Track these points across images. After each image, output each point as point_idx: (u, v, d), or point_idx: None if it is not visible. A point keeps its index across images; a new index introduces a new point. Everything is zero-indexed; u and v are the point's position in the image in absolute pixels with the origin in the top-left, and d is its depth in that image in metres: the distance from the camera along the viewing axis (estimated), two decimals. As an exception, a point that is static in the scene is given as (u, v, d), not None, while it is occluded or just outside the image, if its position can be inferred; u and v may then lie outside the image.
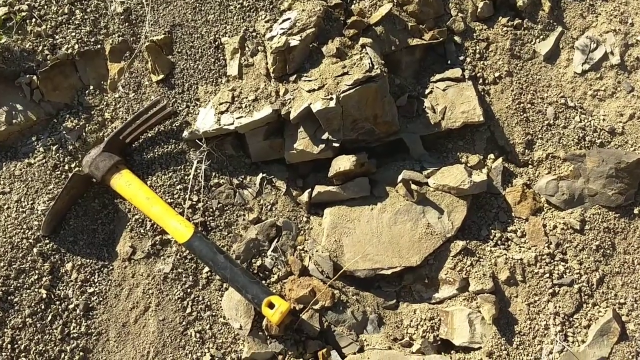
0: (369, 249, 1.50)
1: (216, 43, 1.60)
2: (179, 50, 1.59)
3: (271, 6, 1.60)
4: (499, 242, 1.53)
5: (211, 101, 1.55)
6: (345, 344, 1.48)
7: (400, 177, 1.50)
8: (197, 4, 1.61)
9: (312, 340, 1.46)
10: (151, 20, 1.56)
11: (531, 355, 1.45)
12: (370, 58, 1.47)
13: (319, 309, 1.48)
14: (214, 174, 1.55)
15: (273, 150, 1.58)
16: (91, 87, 1.57)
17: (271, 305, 1.36)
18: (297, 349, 1.44)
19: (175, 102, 1.57)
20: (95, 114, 1.55)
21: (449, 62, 1.64)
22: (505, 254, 1.51)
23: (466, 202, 1.50)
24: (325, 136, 1.50)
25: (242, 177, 1.57)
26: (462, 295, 1.49)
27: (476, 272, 1.49)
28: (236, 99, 1.54)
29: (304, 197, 1.56)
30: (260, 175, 1.57)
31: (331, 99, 1.44)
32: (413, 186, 1.49)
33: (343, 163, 1.49)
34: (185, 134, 1.54)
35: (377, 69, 1.46)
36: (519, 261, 1.50)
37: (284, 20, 1.55)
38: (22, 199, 1.46)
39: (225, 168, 1.56)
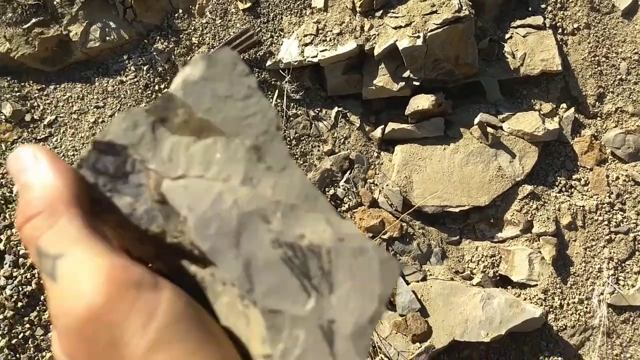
0: (439, 186, 1.60)
1: (304, -27, 1.64)
2: (266, -22, 1.64)
3: (361, -61, 1.63)
4: (563, 188, 1.63)
5: (295, 32, 1.62)
6: (410, 272, 1.61)
7: (476, 120, 1.58)
8: None
9: (381, 267, 1.59)
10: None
11: (583, 295, 1.59)
12: (459, -1, 1.52)
13: (387, 238, 1.60)
14: (292, 104, 1.63)
15: (349, 85, 1.66)
16: (180, 11, 1.63)
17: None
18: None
19: (259, 31, 1.63)
20: (183, 37, 1.62)
21: (530, 9, 1.69)
22: (569, 201, 1.61)
23: (537, 148, 1.60)
24: (406, 74, 1.57)
25: (318, 109, 1.65)
26: (525, 236, 1.61)
27: (540, 215, 1.60)
28: (320, 31, 1.61)
29: (377, 132, 1.65)
30: (336, 109, 1.65)
31: (418, 37, 1.50)
32: (488, 129, 1.58)
33: (422, 102, 1.57)
34: (269, 63, 1.62)
35: (465, 10, 1.51)
36: (581, 208, 1.61)
37: (372, -45, 1.59)
38: (116, 114, 1.55)
39: (303, 100, 1.64)
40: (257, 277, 0.34)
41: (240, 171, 0.37)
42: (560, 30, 1.69)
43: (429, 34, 1.50)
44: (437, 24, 1.50)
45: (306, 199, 0.37)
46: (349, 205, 1.62)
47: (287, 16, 1.64)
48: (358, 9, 1.60)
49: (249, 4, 1.63)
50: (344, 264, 0.35)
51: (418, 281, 1.61)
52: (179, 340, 0.31)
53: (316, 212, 0.37)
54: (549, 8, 1.68)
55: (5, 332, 1.39)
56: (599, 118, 1.68)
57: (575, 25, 1.69)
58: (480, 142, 1.60)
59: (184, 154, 0.37)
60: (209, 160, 0.37)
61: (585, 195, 1.64)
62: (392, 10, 1.57)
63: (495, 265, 1.61)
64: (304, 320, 0.34)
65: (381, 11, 1.58)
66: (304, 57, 1.59)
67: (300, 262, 0.35)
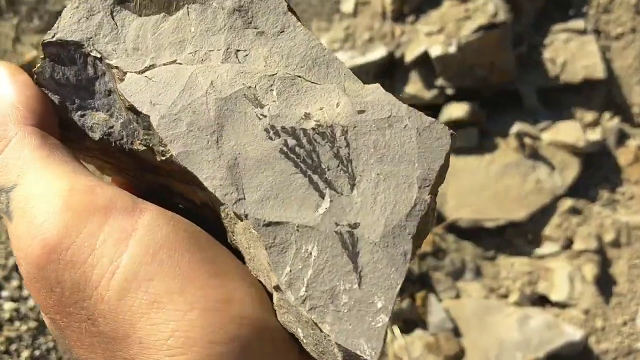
0: (474, 199, 1.60)
1: (333, -22, 1.67)
2: (294, -17, 1.67)
3: (393, -58, 1.65)
4: (606, 203, 1.62)
5: (324, 38, 1.64)
6: (442, 289, 1.61)
7: (513, 130, 1.58)
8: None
9: (411, 282, 1.60)
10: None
11: (627, 316, 1.56)
12: (495, 3, 1.53)
13: (418, 253, 1.60)
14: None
15: (379, 93, 1.67)
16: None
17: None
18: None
19: (287, 37, 1.66)
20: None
21: (571, 12, 1.68)
22: (612, 216, 1.60)
23: (579, 160, 1.58)
24: (438, 82, 1.58)
25: (347, 118, 1.67)
26: (565, 253, 1.59)
27: (582, 231, 1.58)
28: (350, 37, 1.63)
29: (409, 142, 1.66)
30: (365, 117, 1.67)
31: (451, 44, 1.51)
32: (526, 140, 1.57)
33: (455, 111, 1.58)
34: (296, 70, 1.64)
35: (501, 15, 1.51)
36: (625, 223, 1.59)
37: (404, -42, 1.61)
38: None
39: (331, 108, 1.66)
40: (247, 181, 0.28)
41: (221, 44, 0.31)
42: (603, 35, 1.67)
43: (462, 40, 1.51)
44: (471, 31, 1.50)
45: (313, 66, 0.31)
46: (378, 218, 1.63)
47: (316, 21, 1.67)
48: (388, 15, 1.61)
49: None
50: (367, 145, 0.28)
51: (451, 299, 1.61)
52: (161, 275, 0.25)
53: (328, 81, 0.30)
54: (592, 12, 1.67)
55: (28, 343, 1.44)
56: (645, 128, 1.66)
57: (620, 30, 1.67)
58: (517, 153, 1.59)
59: (152, 38, 0.31)
60: (182, 39, 0.31)
61: (630, 210, 1.62)
62: (424, 16, 1.58)
63: (533, 283, 1.60)
64: (316, 229, 0.27)
65: (412, 17, 1.59)
66: (332, 64, 1.61)
67: (307, 152, 0.28)
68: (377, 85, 0.29)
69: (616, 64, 1.67)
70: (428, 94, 1.59)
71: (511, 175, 1.59)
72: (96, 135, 0.31)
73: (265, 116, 0.29)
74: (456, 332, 1.62)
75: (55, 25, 0.31)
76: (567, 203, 1.58)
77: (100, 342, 0.26)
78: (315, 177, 0.28)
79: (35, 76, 0.31)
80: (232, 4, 0.31)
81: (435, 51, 1.51)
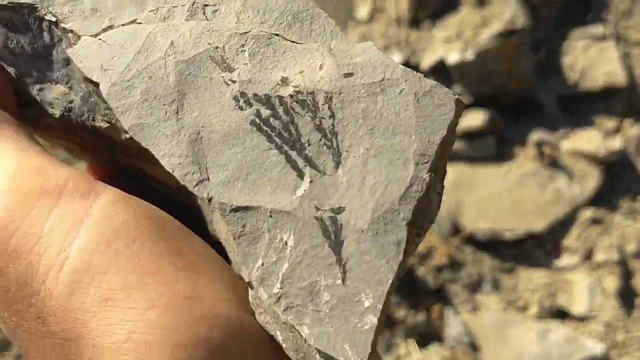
0: (491, 210, 1.60)
1: (347, -16, 1.67)
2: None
3: (407, -53, 1.65)
4: (628, 213, 1.61)
5: (337, 45, 1.64)
6: (459, 302, 1.61)
7: (531, 138, 1.57)
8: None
9: (427, 295, 1.60)
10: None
11: (651, 330, 1.56)
12: (513, 9, 1.53)
13: (435, 265, 1.60)
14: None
15: (393, 100, 1.67)
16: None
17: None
18: (411, 301, 1.58)
19: (299, 43, 1.66)
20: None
21: (590, 17, 1.68)
22: (634, 225, 1.59)
23: (599, 169, 1.58)
24: (456, 89, 1.58)
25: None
26: (585, 264, 1.59)
27: (602, 242, 1.58)
28: (364, 44, 1.63)
29: (424, 151, 1.66)
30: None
31: (468, 50, 1.51)
32: (544, 148, 1.57)
33: (472, 119, 1.57)
34: (309, 77, 1.64)
35: (519, 21, 1.51)
36: (648, 234, 1.58)
37: (419, -37, 1.61)
38: None
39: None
40: (211, 159, 0.25)
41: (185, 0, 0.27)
42: (623, 41, 1.67)
43: (480, 47, 1.50)
44: (488, 37, 1.50)
45: (294, 23, 0.27)
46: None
47: (328, 28, 1.67)
48: (404, 21, 1.61)
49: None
50: (355, 115, 0.25)
51: (468, 312, 1.60)
52: (117, 267, 0.23)
53: (311, 40, 0.27)
54: (611, 17, 1.67)
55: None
56: (667, 136, 1.66)
57: (640, 35, 1.67)
58: (536, 162, 1.59)
59: None
60: None
61: (653, 220, 1.61)
62: (440, 22, 1.58)
63: (552, 295, 1.59)
64: (292, 215, 0.24)
65: (429, 23, 1.59)
66: (346, 71, 1.61)
67: (283, 124, 0.25)
68: (370, 43, 0.26)
69: (637, 71, 1.66)
70: (444, 102, 1.58)
71: (529, 185, 1.59)
72: (56, 112, 0.29)
73: (234, 82, 0.26)
74: (474, 347, 1.61)
75: None
76: (587, 213, 1.57)
77: (53, 345, 0.23)
78: (293, 154, 0.25)
79: None
80: None
81: (452, 58, 1.51)
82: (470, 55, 1.50)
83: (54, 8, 0.28)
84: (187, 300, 0.23)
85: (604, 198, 1.61)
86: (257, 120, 0.25)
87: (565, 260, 1.59)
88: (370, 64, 0.25)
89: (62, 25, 0.28)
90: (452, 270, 1.59)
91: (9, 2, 0.28)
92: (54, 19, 0.28)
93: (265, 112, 0.25)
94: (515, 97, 1.63)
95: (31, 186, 0.23)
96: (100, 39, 0.27)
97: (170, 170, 0.25)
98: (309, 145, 0.25)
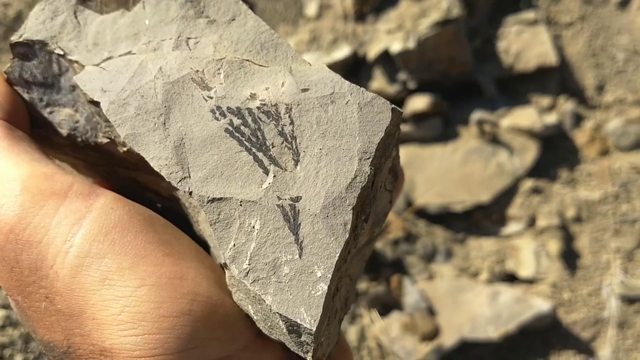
0: (441, 185, 1.81)
1: (296, -16, 1.88)
2: (260, -9, 1.88)
3: (350, -52, 1.87)
4: (566, 182, 1.82)
5: (291, 41, 1.85)
6: (416, 272, 1.81)
7: (473, 118, 1.79)
8: (280, -54, 1.88)
9: (386, 267, 1.79)
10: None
11: (592, 287, 1.76)
12: (448, 0, 1.74)
13: (391, 239, 1.80)
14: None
15: (347, 90, 1.88)
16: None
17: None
18: (371, 273, 1.77)
19: (256, 41, 1.87)
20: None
21: (522, 4, 1.90)
22: (572, 193, 1.80)
23: (537, 142, 1.79)
24: (401, 77, 1.79)
25: (318, 116, 1.88)
26: (529, 230, 1.80)
27: (544, 209, 1.79)
28: (315, 39, 1.83)
29: (377, 136, 1.87)
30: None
31: (409, 40, 1.72)
32: (485, 126, 1.78)
33: (418, 103, 1.78)
34: (266, 72, 1.84)
35: (455, 11, 1.73)
36: (585, 200, 1.80)
37: (362, -37, 1.82)
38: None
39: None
40: (192, 160, 0.30)
41: (172, 34, 0.33)
42: (554, 25, 1.90)
43: (420, 36, 1.72)
44: (427, 27, 1.72)
45: (261, 50, 0.33)
46: (352, 209, 1.83)
47: (282, 26, 1.87)
48: (350, 16, 1.83)
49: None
50: (310, 122, 0.31)
51: (425, 280, 1.80)
52: (113, 253, 0.28)
53: (275, 63, 0.33)
54: (541, 3, 1.89)
55: (22, 347, 1.61)
56: (599, 109, 1.88)
57: (569, 19, 1.89)
58: (479, 140, 1.80)
59: (110, 33, 0.34)
60: (137, 32, 0.34)
61: (589, 187, 1.83)
62: (383, 15, 1.80)
63: (501, 261, 1.80)
64: (258, 204, 0.30)
65: (373, 17, 1.81)
66: (300, 65, 1.82)
67: (252, 130, 0.30)
68: (323, 65, 0.32)
69: (568, 51, 1.89)
70: (392, 89, 1.79)
71: (474, 161, 1.79)
72: (64, 131, 0.34)
73: (211, 98, 0.30)
74: (431, 312, 1.80)
75: (23, 26, 0.34)
76: (528, 184, 1.78)
77: (59, 321, 0.28)
78: (260, 155, 0.30)
79: (7, 76, 0.34)
80: None
81: (395, 47, 1.72)
82: (411, 44, 1.71)
83: (62, 43, 0.33)
84: (172, 279, 0.28)
85: (543, 169, 1.82)
86: (230, 128, 0.30)
87: (510, 227, 1.79)
88: (322, 81, 0.31)
89: (69, 57, 0.33)
90: (407, 243, 1.78)
91: (25, 40, 0.34)
92: (61, 52, 0.33)
93: (236, 122, 0.30)
94: (456, 81, 1.84)
95: (42, 188, 0.28)
96: (101, 67, 0.32)
97: (158, 170, 0.30)
98: (273, 147, 0.30)
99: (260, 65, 0.32)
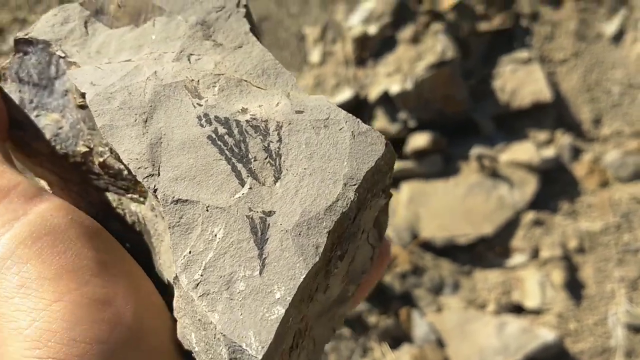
0: (445, 219, 1.91)
1: (299, 34, 2.05)
2: (266, 41, 2.05)
3: (350, -2, 2.03)
4: (567, 213, 1.92)
5: (296, 87, 2.00)
6: (424, 305, 1.90)
7: (472, 153, 1.90)
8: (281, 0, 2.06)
9: (394, 300, 1.89)
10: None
11: (597, 316, 1.83)
12: (443, 43, 1.89)
13: (399, 272, 1.90)
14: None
15: (351, 131, 2.01)
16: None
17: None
18: (380, 307, 1.87)
19: (263, 88, 2.03)
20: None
21: (516, 44, 2.04)
22: (574, 224, 1.89)
23: (536, 176, 1.90)
24: (401, 116, 1.92)
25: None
26: (533, 262, 1.89)
27: (546, 240, 1.88)
28: (319, 84, 1.98)
29: (382, 174, 1.99)
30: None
31: (407, 81, 1.86)
32: (485, 161, 1.90)
33: (419, 141, 1.91)
34: (273, 117, 1.99)
35: (449, 53, 1.87)
36: (587, 231, 1.89)
37: (361, 11, 1.99)
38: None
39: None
40: (166, 160, 0.30)
41: (176, 48, 0.34)
42: (548, 62, 2.02)
43: (417, 78, 1.86)
44: (423, 69, 1.86)
45: (262, 75, 0.33)
46: (359, 245, 1.94)
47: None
48: (351, 61, 1.98)
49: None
50: (299, 142, 0.30)
51: (433, 313, 1.89)
52: (38, 260, 0.27)
53: (274, 88, 0.33)
54: (535, 42, 2.03)
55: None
56: (596, 142, 1.99)
57: (563, 56, 2.02)
58: (479, 174, 1.91)
59: (115, 44, 0.35)
60: (142, 44, 0.35)
61: (590, 218, 1.92)
62: (382, 59, 1.94)
63: (507, 292, 1.88)
64: (226, 211, 0.29)
65: (372, 61, 1.96)
66: (305, 109, 1.96)
67: (236, 141, 0.30)
68: (323, 96, 0.32)
69: (563, 87, 2.01)
70: (393, 128, 1.92)
71: (476, 195, 1.90)
72: (47, 136, 0.34)
73: (201, 105, 0.30)
74: (440, 344, 1.88)
75: (32, 26, 0.35)
76: (530, 216, 1.88)
77: None
78: (239, 166, 0.29)
79: (3, 72, 0.35)
80: (197, 19, 0.34)
81: (394, 89, 1.86)
82: (409, 86, 1.85)
83: (65, 47, 0.34)
84: (95, 301, 0.26)
85: (544, 201, 1.92)
86: (214, 135, 0.29)
87: (515, 259, 1.88)
88: (319, 107, 0.31)
89: (69, 59, 0.34)
90: (415, 276, 1.88)
91: (30, 37, 0.34)
92: (62, 55, 0.34)
93: (221, 131, 0.30)
94: (454, 119, 1.97)
95: None
96: (96, 67, 0.33)
97: (127, 163, 0.30)
98: (255, 161, 0.29)
99: (258, 87, 0.32)
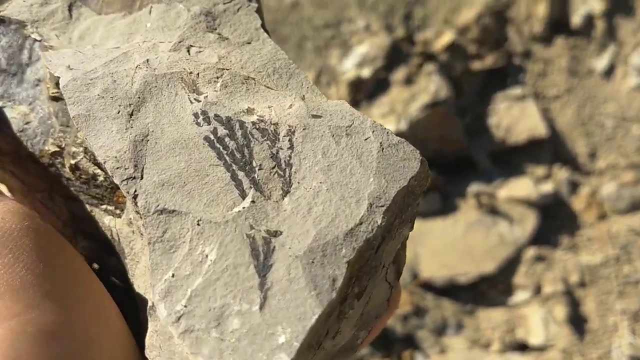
0: (445, 258, 1.96)
1: (295, 78, 2.13)
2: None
3: (342, 43, 2.12)
4: (567, 247, 1.97)
5: (292, 130, 2.08)
6: (428, 346, 1.94)
7: (470, 191, 1.96)
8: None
9: (397, 343, 1.92)
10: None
11: (601, 350, 1.87)
12: (436, 83, 1.97)
13: (400, 314, 1.94)
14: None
15: (349, 172, 2.08)
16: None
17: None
18: (382, 350, 1.90)
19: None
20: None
21: (510, 81, 2.12)
22: (574, 258, 1.94)
23: (535, 211, 1.96)
24: (398, 157, 1.99)
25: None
26: (536, 298, 1.93)
27: (548, 276, 1.93)
28: (315, 127, 2.06)
29: (381, 214, 2.05)
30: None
31: (401, 122, 1.93)
32: (483, 198, 1.96)
33: (416, 180, 1.97)
34: (271, 161, 2.06)
35: (443, 93, 1.95)
36: (587, 264, 1.94)
37: (354, 55, 2.07)
38: None
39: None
40: (151, 161, 0.26)
41: (173, 38, 0.30)
42: (542, 98, 2.10)
43: (411, 119, 1.93)
44: (417, 109, 1.93)
45: (273, 74, 0.30)
46: (360, 286, 1.99)
47: (283, 117, 2.11)
48: (347, 102, 2.06)
49: (248, 111, 2.12)
50: (315, 151, 0.27)
51: (437, 354, 1.92)
52: None
53: (286, 90, 0.29)
54: (528, 79, 2.11)
55: None
56: (593, 175, 2.05)
57: (556, 92, 2.10)
58: (478, 211, 1.97)
59: (102, 30, 0.31)
60: (133, 32, 0.31)
61: (590, 251, 1.97)
62: (376, 101, 2.02)
63: (511, 330, 1.92)
64: (222, 227, 0.24)
65: (366, 102, 2.04)
66: (302, 152, 2.04)
67: (238, 145, 0.26)
68: (343, 101, 0.29)
69: (558, 122, 2.08)
70: (391, 168, 1.99)
71: (475, 232, 1.96)
72: (10, 131, 0.31)
73: (199, 101, 0.27)
74: (445, 385, 1.91)
75: (6, 4, 0.32)
76: (531, 252, 1.93)
77: None
78: (241, 174, 0.26)
79: None
80: (200, 9, 0.31)
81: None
82: (403, 126, 1.92)
83: (42, 29, 0.30)
84: (42, 333, 0.22)
85: (544, 236, 1.97)
86: (212, 137, 0.26)
87: (517, 296, 1.92)
88: (340, 112, 0.27)
89: (45, 43, 0.30)
90: (417, 317, 1.92)
91: (2, 15, 0.31)
92: (39, 38, 0.30)
93: (222, 132, 0.26)
94: (450, 157, 2.03)
95: None
96: (77, 50, 0.29)
97: (103, 161, 0.26)
98: (260, 169, 0.26)
99: (268, 87, 0.29)
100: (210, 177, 0.25)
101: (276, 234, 0.24)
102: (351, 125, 0.27)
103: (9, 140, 0.31)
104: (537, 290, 1.92)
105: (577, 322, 1.90)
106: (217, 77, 0.28)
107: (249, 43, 0.30)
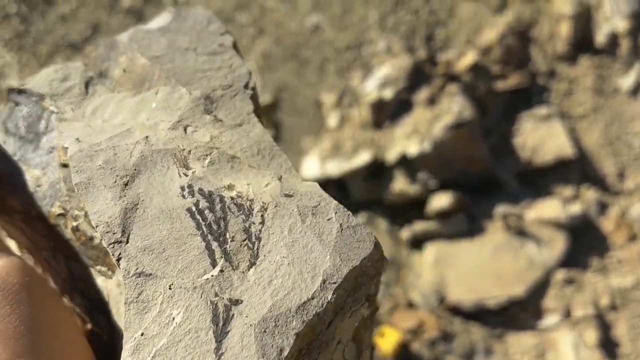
0: (473, 281, 1.95)
1: (317, 101, 2.15)
2: (285, 109, 2.16)
3: (364, 65, 2.15)
4: (597, 270, 1.95)
5: (315, 150, 2.09)
6: (456, 373, 1.91)
7: (497, 212, 1.96)
8: (299, 70, 2.18)
9: (424, 369, 1.91)
10: (260, 87, 2.14)
11: (638, 377, 1.84)
12: (460, 104, 1.98)
13: (427, 339, 1.93)
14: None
15: (370, 192, 2.08)
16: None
17: (382, 335, 1.82)
18: (410, 376, 1.89)
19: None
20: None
21: (535, 101, 2.13)
22: (605, 281, 1.92)
23: (564, 233, 1.94)
24: (421, 177, 1.99)
25: (345, 220, 2.08)
26: (566, 321, 1.91)
27: (578, 299, 1.91)
28: (337, 147, 2.07)
29: (404, 233, 2.04)
30: (361, 214, 2.07)
31: (424, 143, 1.94)
32: (510, 220, 1.95)
33: (441, 201, 1.97)
34: (293, 183, 2.08)
35: (466, 113, 1.96)
36: (618, 287, 1.91)
37: (376, 77, 2.09)
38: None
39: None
40: (137, 228, 0.28)
41: (173, 117, 0.33)
42: (568, 118, 2.10)
43: (435, 139, 1.94)
44: (440, 130, 1.94)
45: (257, 154, 0.33)
46: (385, 308, 1.98)
47: (306, 137, 2.13)
48: (368, 124, 2.07)
49: (271, 132, 2.14)
50: (282, 227, 0.29)
51: (465, 380, 1.90)
52: None
53: (267, 169, 0.32)
54: (553, 98, 2.12)
55: None
56: (622, 196, 2.04)
57: (582, 111, 2.10)
58: (505, 233, 1.96)
59: (114, 106, 0.34)
60: (139, 110, 0.34)
61: (621, 273, 1.95)
62: (398, 122, 2.04)
63: (541, 355, 1.90)
64: (189, 293, 0.27)
65: (389, 123, 2.05)
66: (324, 171, 2.04)
67: (216, 218, 0.29)
68: (315, 183, 0.32)
69: (584, 141, 2.08)
70: (412, 189, 1.99)
71: (503, 255, 1.95)
72: (24, 193, 0.34)
73: (187, 175, 0.30)
74: (474, 412, 1.88)
75: (29, 79, 0.35)
76: (560, 275, 1.91)
77: None
78: (214, 245, 0.28)
79: None
80: (201, 93, 0.35)
81: (412, 151, 1.94)
82: (427, 147, 1.93)
83: (59, 103, 0.34)
84: None
85: (574, 259, 1.96)
86: (194, 208, 0.29)
87: (547, 320, 1.90)
88: (310, 193, 0.30)
89: (61, 115, 0.34)
90: (445, 342, 1.90)
91: (24, 88, 0.34)
92: (55, 110, 0.34)
93: (203, 204, 0.29)
94: (476, 178, 2.03)
95: None
96: (87, 124, 0.33)
97: (95, 225, 0.29)
98: (232, 241, 0.28)
99: (251, 166, 0.32)
100: (187, 245, 0.28)
101: (237, 302, 0.27)
102: (317, 206, 0.30)
103: (22, 200, 0.34)
104: (567, 313, 1.90)
105: (609, 346, 1.87)
106: (207, 155, 0.31)
107: (240, 125, 0.34)
